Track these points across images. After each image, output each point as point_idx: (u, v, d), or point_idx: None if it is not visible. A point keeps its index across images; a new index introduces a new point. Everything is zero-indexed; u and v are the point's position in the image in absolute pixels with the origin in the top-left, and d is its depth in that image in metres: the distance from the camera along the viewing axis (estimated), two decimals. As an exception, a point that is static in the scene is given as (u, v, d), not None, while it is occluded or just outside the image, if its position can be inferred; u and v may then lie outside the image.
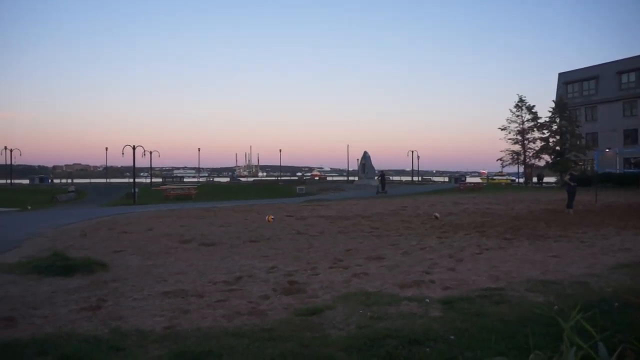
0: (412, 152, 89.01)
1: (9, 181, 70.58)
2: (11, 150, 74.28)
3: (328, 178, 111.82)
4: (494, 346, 4.65)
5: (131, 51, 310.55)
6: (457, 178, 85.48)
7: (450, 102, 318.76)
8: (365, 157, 70.68)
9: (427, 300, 6.83)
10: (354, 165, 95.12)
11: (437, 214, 19.77)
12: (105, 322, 6.31)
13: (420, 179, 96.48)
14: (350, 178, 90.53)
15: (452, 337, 5.04)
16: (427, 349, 4.62)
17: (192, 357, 4.47)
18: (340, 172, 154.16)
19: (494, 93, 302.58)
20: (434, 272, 9.09)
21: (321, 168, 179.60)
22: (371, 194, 43.55)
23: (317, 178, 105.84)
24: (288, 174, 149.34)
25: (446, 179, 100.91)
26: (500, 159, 64.39)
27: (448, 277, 8.57)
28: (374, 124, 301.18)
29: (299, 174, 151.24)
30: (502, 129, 63.04)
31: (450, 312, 6.14)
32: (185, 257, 11.44)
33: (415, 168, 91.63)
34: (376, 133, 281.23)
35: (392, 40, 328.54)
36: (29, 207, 31.90)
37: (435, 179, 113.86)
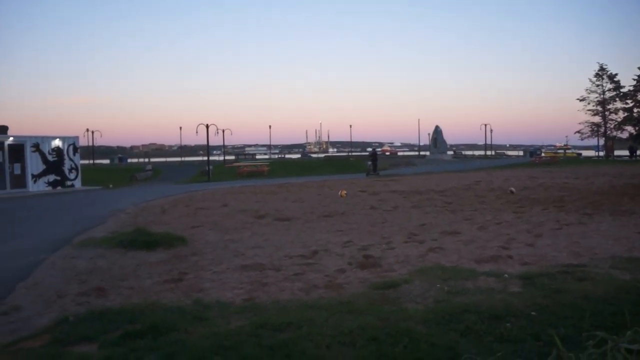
0: (485, 125, 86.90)
1: (91, 161, 73.93)
2: (92, 132, 78.11)
3: (399, 153, 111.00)
4: (577, 323, 4.51)
5: (203, 31, 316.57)
6: (532, 152, 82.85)
7: (525, 74, 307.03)
8: (437, 131, 69.75)
9: (506, 275, 6.70)
10: (425, 140, 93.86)
11: (512, 189, 19.28)
12: (187, 293, 6.56)
13: (493, 153, 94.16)
14: (422, 153, 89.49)
15: (533, 313, 4.93)
16: (508, 324, 4.54)
17: (273, 328, 4.58)
18: (411, 147, 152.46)
19: (571, 62, 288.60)
20: (511, 247, 8.89)
21: (392, 143, 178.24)
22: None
23: (387, 153, 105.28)
24: (358, 149, 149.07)
25: (521, 153, 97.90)
26: (579, 132, 61.97)
27: (527, 253, 8.37)
28: (446, 98, 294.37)
29: (370, 149, 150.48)
30: (580, 100, 60.60)
31: (530, 288, 6.00)
32: (261, 232, 11.65)
33: (489, 142, 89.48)
34: (448, 107, 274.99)
35: (464, 11, 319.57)
36: (111, 186, 33.28)
37: (510, 152, 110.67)
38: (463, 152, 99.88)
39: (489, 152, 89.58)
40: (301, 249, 9.38)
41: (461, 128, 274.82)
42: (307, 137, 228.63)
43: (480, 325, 4.51)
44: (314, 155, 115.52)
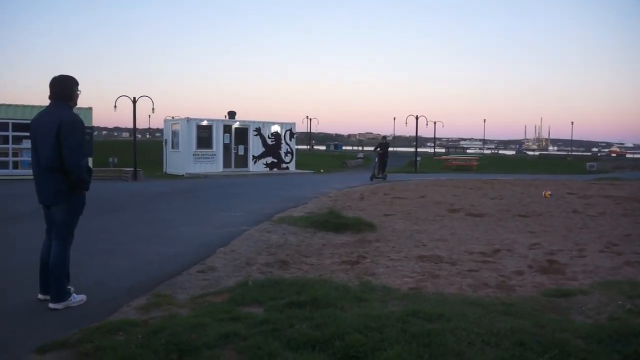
0: None
1: (308, 147, 79.03)
2: (310, 120, 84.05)
3: (628, 155, 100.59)
4: None
5: (418, 22, 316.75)
6: None
7: None
8: (676, 132, 62.08)
9: None
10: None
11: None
12: (359, 276, 6.89)
13: None
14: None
15: None
16: (691, 358, 3.99)
17: (423, 317, 4.65)
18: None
19: None
20: None
21: (622, 144, 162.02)
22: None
23: (614, 155, 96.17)
24: (582, 149, 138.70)
25: None
26: None
27: None
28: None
29: (594, 149, 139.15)
30: None
31: None
32: (449, 225, 11.60)
33: None
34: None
35: None
36: (322, 171, 35.31)
37: None
38: None
39: None
40: (484, 246, 9.18)
41: None
42: (525, 133, 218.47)
43: (655, 353, 4.05)
44: (529, 153, 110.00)
